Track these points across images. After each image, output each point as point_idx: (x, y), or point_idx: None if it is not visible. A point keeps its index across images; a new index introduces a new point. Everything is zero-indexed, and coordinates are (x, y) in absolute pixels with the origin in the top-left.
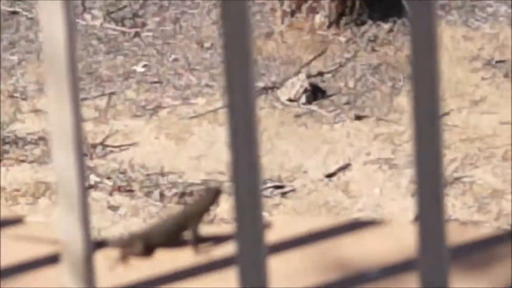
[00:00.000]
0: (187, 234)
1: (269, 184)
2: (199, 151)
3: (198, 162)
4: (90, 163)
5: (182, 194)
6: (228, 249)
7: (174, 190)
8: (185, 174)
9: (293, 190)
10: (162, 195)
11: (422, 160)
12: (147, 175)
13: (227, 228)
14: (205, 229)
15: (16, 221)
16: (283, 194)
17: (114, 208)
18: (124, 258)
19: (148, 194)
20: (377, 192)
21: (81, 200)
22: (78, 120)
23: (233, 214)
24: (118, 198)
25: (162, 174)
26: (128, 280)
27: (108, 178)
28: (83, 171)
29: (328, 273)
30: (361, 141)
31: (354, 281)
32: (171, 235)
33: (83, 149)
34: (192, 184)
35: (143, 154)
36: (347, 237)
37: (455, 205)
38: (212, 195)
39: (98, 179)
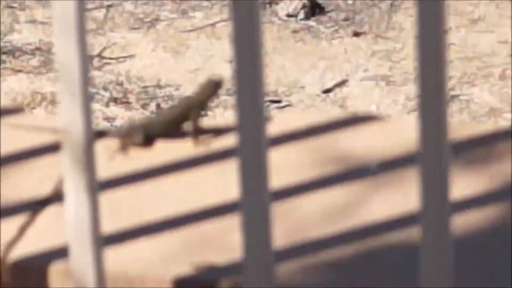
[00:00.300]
0: (187, 126)
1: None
2: (196, 65)
3: (195, 75)
4: None
5: None
6: (227, 141)
7: (170, 102)
8: (181, 87)
9: (289, 105)
10: (158, 107)
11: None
12: (144, 87)
13: (227, 120)
14: (205, 121)
15: (16, 110)
16: (280, 109)
17: (110, 119)
18: (123, 148)
19: (144, 106)
20: (373, 109)
21: (83, 87)
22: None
23: (234, 108)
24: (114, 110)
25: (159, 86)
26: (127, 170)
27: (105, 89)
28: (85, 56)
29: (327, 167)
30: (358, 58)
31: (354, 174)
32: (171, 126)
33: (85, 36)
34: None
35: (140, 67)
36: (346, 131)
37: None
38: (213, 86)
39: (94, 90)
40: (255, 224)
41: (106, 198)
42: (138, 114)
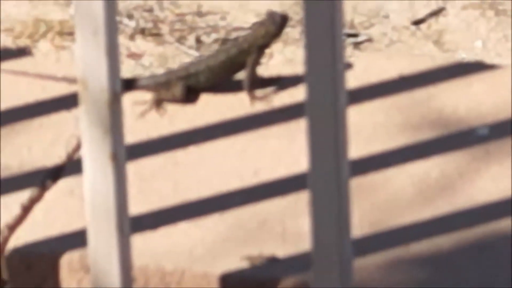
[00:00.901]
0: (241, 75)
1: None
2: None
3: (246, 1)
4: None
5: (224, 41)
6: (293, 95)
7: (214, 35)
8: (228, 15)
9: (369, 40)
10: (198, 41)
11: None
12: (180, 15)
13: (293, 69)
14: (264, 70)
15: (20, 53)
16: (356, 45)
17: (136, 56)
18: (158, 103)
19: (180, 40)
20: (478, 46)
21: (108, 26)
22: None
23: (304, 53)
24: (141, 44)
25: (199, 14)
26: (162, 133)
27: (129, 17)
28: None
29: (422, 130)
30: None
31: (457, 141)
32: (220, 75)
33: None
34: (237, 28)
35: None
36: (446, 83)
37: None
38: (277, 22)
39: (116, 18)
40: (328, 206)
41: (135, 171)
42: (171, 50)
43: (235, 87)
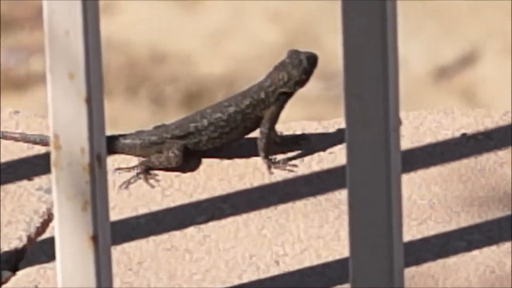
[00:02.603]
0: (256, 134)
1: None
2: (216, 23)
3: (215, 41)
4: None
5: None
6: (324, 161)
7: (174, 88)
8: (192, 59)
9: None
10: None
11: None
12: (130, 60)
13: (323, 125)
14: (285, 127)
15: None
16: None
17: None
18: (147, 170)
19: (130, 94)
20: None
21: (90, 66)
22: None
23: (343, 102)
24: None
25: (156, 59)
26: (151, 210)
27: None
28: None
29: (493, 206)
30: None
31: None
32: (228, 134)
33: None
34: None
35: (126, 25)
36: None
37: None
38: (304, 64)
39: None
40: None
41: (119, 257)
42: (121, 107)
43: (248, 150)
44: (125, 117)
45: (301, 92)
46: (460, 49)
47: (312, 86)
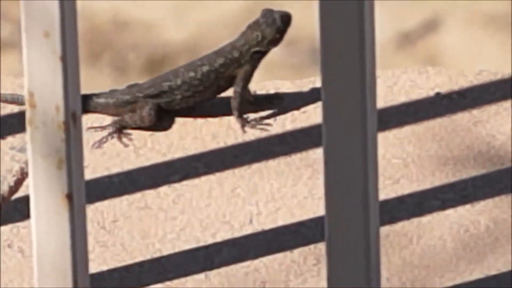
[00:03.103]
0: (229, 92)
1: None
2: None
3: (182, 9)
4: None
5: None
6: (298, 119)
7: (136, 54)
8: (155, 27)
9: None
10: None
11: None
12: (94, 26)
13: (297, 83)
14: (258, 86)
15: None
16: None
17: None
18: (120, 129)
19: (91, 59)
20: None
21: (65, 24)
22: None
23: (320, 59)
24: None
25: (118, 25)
26: (124, 169)
27: None
28: None
29: (467, 165)
30: None
31: None
32: (201, 93)
33: None
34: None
35: None
36: (497, 106)
37: None
38: (277, 23)
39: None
40: (352, 263)
41: (93, 217)
42: (83, 73)
43: (221, 108)
44: (88, 83)
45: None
46: (423, 16)
47: (276, 50)
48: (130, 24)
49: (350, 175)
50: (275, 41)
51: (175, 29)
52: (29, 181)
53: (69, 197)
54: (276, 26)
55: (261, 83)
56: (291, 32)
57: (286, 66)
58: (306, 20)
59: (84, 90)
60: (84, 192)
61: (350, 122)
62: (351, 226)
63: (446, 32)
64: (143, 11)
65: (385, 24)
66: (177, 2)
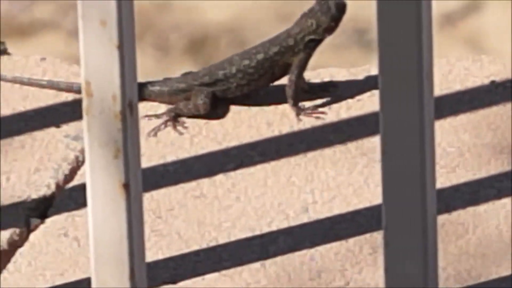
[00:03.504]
0: (284, 81)
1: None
2: None
3: None
4: None
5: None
6: (354, 108)
7: (179, 36)
8: (199, 9)
9: None
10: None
11: None
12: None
13: (352, 72)
14: (313, 74)
15: None
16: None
17: None
18: (175, 117)
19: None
20: None
21: (122, 13)
22: None
23: (378, 49)
24: None
25: (160, 7)
26: (180, 157)
27: (66, 13)
28: None
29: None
30: None
31: None
32: (256, 81)
33: None
34: None
35: None
36: None
37: None
38: (333, 11)
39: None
40: (409, 253)
41: (148, 206)
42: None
43: (276, 97)
44: None
45: (332, 39)
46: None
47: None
48: (171, 5)
49: (407, 163)
50: (330, 29)
51: (217, 9)
52: (85, 170)
53: (126, 186)
54: (331, 14)
55: (316, 71)
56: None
57: (356, 47)
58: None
59: None
60: (140, 182)
61: (407, 110)
62: (408, 214)
63: (488, 14)
64: None
65: None
66: None
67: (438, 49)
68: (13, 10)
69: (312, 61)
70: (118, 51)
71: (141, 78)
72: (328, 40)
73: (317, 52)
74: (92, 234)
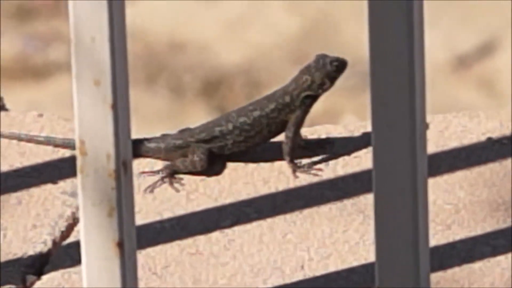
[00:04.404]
0: (281, 138)
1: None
2: (232, 13)
3: (233, 31)
4: None
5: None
6: (350, 165)
7: (192, 77)
8: (210, 49)
9: None
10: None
11: None
12: (150, 49)
13: (349, 128)
14: (309, 131)
15: None
16: None
17: None
18: (172, 174)
19: (150, 82)
20: None
21: (116, 73)
22: None
23: (370, 107)
24: None
25: (174, 47)
26: (176, 214)
27: None
28: None
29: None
30: None
31: None
32: (252, 138)
33: None
34: None
35: (146, 15)
36: None
37: None
38: (329, 69)
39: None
40: None
41: (144, 263)
42: (139, 96)
43: (273, 153)
44: (144, 105)
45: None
46: (479, 38)
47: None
48: (185, 46)
49: (400, 221)
50: (324, 85)
51: (231, 50)
52: (80, 228)
53: (120, 245)
54: (326, 70)
55: (313, 127)
56: (347, 53)
57: (341, 90)
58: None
59: (140, 113)
60: (135, 240)
61: (400, 168)
62: (402, 272)
63: (503, 56)
64: (199, 32)
65: (439, 46)
66: (233, 23)
67: (451, 91)
68: (28, 50)
69: (316, 109)
70: (112, 110)
71: (154, 120)
72: (340, 82)
73: (328, 95)
74: None
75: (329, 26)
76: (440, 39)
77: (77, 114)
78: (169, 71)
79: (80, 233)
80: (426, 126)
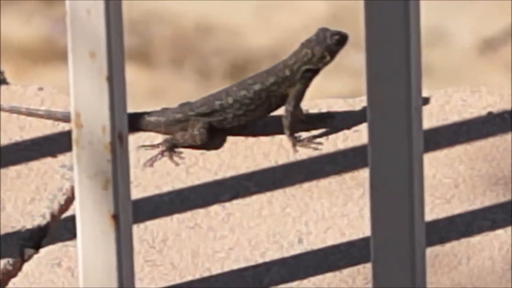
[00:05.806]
0: (281, 111)
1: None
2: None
3: (266, 13)
4: None
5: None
6: (349, 139)
7: (221, 60)
8: (241, 35)
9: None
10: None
11: None
12: (178, 33)
13: (348, 103)
14: (310, 104)
15: None
16: None
17: None
18: (171, 148)
19: (177, 65)
20: None
21: (111, 45)
22: None
23: (366, 82)
24: (127, 71)
25: (202, 31)
26: (175, 188)
27: None
28: None
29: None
30: None
31: None
32: (253, 111)
33: None
34: None
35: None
36: None
37: None
38: (330, 42)
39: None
40: (400, 285)
41: (142, 236)
42: (166, 80)
43: (273, 127)
44: (171, 89)
45: (339, 64)
46: (506, 22)
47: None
48: (213, 29)
49: (395, 195)
50: (324, 59)
51: (259, 34)
52: (75, 201)
53: (115, 217)
54: (326, 44)
55: (314, 101)
56: None
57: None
58: None
59: (167, 96)
60: (130, 213)
61: (396, 142)
62: (397, 247)
63: None
64: (227, 15)
65: (467, 30)
66: (262, 6)
67: (477, 74)
68: (55, 33)
69: (309, 91)
70: (107, 83)
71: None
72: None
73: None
74: (82, 265)
75: (358, 10)
76: (467, 22)
77: (72, 86)
78: (197, 54)
79: (75, 206)
80: (427, 101)
